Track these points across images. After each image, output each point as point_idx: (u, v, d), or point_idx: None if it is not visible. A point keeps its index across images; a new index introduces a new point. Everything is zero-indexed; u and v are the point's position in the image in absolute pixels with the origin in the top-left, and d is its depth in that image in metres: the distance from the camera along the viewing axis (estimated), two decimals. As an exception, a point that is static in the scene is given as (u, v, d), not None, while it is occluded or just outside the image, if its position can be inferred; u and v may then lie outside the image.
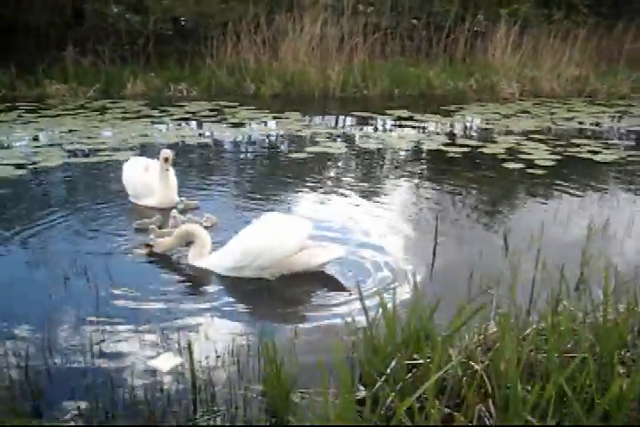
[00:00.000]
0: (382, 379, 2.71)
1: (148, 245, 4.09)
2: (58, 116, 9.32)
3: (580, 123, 9.83)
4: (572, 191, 6.02)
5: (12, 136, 7.90)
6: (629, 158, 7.48)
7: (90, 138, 7.80)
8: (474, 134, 8.74)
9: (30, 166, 6.47)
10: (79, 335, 3.17)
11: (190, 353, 2.77)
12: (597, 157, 7.44)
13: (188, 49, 12.75)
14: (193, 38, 12.86)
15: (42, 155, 6.92)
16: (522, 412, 2.29)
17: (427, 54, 13.65)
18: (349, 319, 3.12)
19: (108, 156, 6.95)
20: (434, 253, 4.29)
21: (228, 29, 12.38)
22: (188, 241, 4.08)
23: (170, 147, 7.29)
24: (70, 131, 8.24)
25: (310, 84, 11.77)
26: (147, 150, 7.28)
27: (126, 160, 5.59)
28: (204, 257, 3.97)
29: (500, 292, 3.39)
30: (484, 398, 2.58)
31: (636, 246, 4.56)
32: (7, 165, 6.48)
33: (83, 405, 2.62)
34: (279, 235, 3.78)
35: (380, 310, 2.91)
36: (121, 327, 3.27)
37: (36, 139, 7.79)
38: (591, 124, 9.79)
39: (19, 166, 6.44)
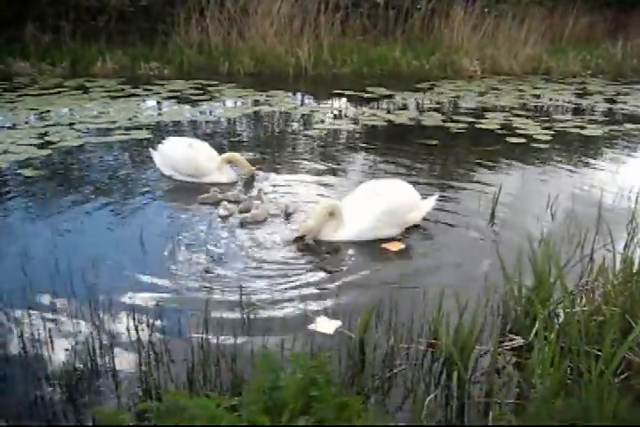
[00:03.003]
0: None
1: (300, 238, 4.10)
2: (40, 95, 9.06)
3: (551, 99, 10.38)
4: (579, 160, 6.63)
5: (7, 115, 7.70)
6: (612, 133, 8.03)
7: (95, 117, 7.70)
8: (462, 111, 9.08)
9: (52, 146, 6.37)
10: (230, 309, 3.31)
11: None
12: (585, 132, 7.96)
13: (152, 27, 12.50)
14: (155, 16, 12.62)
15: (56, 135, 6.82)
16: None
17: (385, 33, 13.91)
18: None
19: (124, 135, 6.93)
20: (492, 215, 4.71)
21: (192, 7, 12.22)
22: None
23: (183, 125, 7.37)
24: (70, 110, 8.10)
25: (281, 63, 11.83)
26: (159, 128, 7.30)
27: (154, 140, 5.95)
28: (339, 230, 4.19)
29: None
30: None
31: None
32: (27, 145, 6.37)
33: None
34: (406, 193, 4.37)
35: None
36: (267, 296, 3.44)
37: (38, 119, 7.60)
38: (563, 100, 10.33)
39: (40, 147, 6.35)
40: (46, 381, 2.69)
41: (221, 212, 4.58)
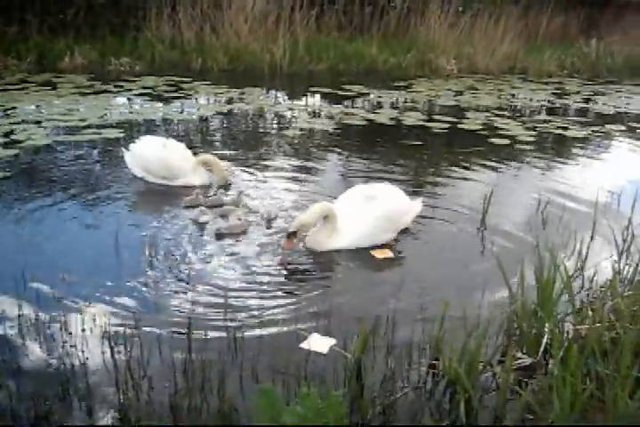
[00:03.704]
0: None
1: (292, 234, 3.75)
2: (5, 90, 8.68)
3: (530, 99, 10.27)
4: (566, 162, 6.55)
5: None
6: (594, 134, 7.92)
7: (62, 114, 7.35)
8: (442, 110, 8.90)
9: (18, 145, 6.03)
10: (215, 328, 3.06)
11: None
12: (568, 133, 7.84)
13: (122, 22, 12.11)
14: (126, 10, 12.23)
15: (22, 133, 6.48)
16: None
17: (361, 30, 13.69)
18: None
19: (94, 134, 6.60)
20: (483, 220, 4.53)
21: (164, 1, 11.86)
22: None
23: (156, 123, 7.08)
24: (34, 107, 7.74)
25: (256, 59, 11.57)
26: (131, 127, 7.00)
27: (126, 139, 5.80)
28: (333, 238, 3.94)
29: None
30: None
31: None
32: (-9, 143, 6.03)
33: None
34: (399, 197, 4.24)
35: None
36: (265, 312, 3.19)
37: (3, 116, 7.22)
38: (542, 100, 10.23)
39: (6, 146, 6.01)
40: (11, 412, 2.40)
41: (201, 218, 4.31)
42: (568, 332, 2.95)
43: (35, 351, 2.78)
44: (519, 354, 2.91)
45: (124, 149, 5.26)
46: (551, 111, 9.39)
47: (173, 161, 5.05)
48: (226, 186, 5.13)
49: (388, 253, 4.01)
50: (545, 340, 2.90)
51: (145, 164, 5.11)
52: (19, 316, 3.02)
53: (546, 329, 2.94)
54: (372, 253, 3.99)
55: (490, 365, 2.79)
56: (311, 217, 3.79)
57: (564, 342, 2.79)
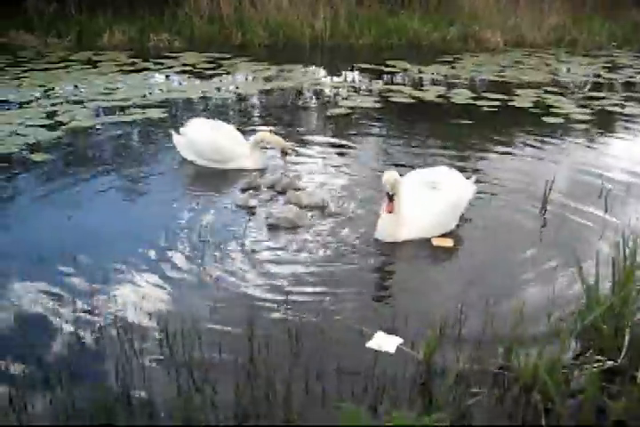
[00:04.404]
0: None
1: (392, 197, 3.58)
2: (47, 70, 8.61)
3: (579, 74, 9.89)
4: (626, 140, 6.36)
5: (14, 93, 7.25)
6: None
7: (105, 94, 7.26)
8: (491, 87, 8.59)
9: (63, 127, 5.96)
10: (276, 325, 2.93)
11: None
12: (626, 111, 7.49)
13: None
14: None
15: (65, 114, 6.40)
16: None
17: (402, 2, 13.29)
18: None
19: (138, 114, 6.49)
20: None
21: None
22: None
23: (198, 102, 6.95)
24: (76, 86, 7.65)
25: (297, 33, 11.32)
26: (174, 106, 6.89)
27: (170, 119, 5.86)
28: (403, 228, 3.76)
29: None
30: None
31: None
32: (36, 126, 5.96)
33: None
34: (462, 182, 4.09)
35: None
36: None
37: (46, 96, 7.14)
38: (594, 75, 9.82)
39: (50, 128, 5.93)
40: (73, 418, 2.31)
41: (251, 202, 4.20)
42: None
43: (91, 353, 2.68)
44: (596, 356, 2.73)
45: (172, 132, 5.13)
46: (603, 86, 9.00)
47: (225, 144, 4.93)
48: (282, 167, 4.95)
49: (449, 242, 3.84)
50: (626, 341, 2.71)
51: (196, 147, 5.00)
52: (72, 313, 2.93)
53: (627, 329, 2.75)
54: (434, 241, 3.82)
55: (567, 368, 2.62)
56: (391, 175, 3.56)
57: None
